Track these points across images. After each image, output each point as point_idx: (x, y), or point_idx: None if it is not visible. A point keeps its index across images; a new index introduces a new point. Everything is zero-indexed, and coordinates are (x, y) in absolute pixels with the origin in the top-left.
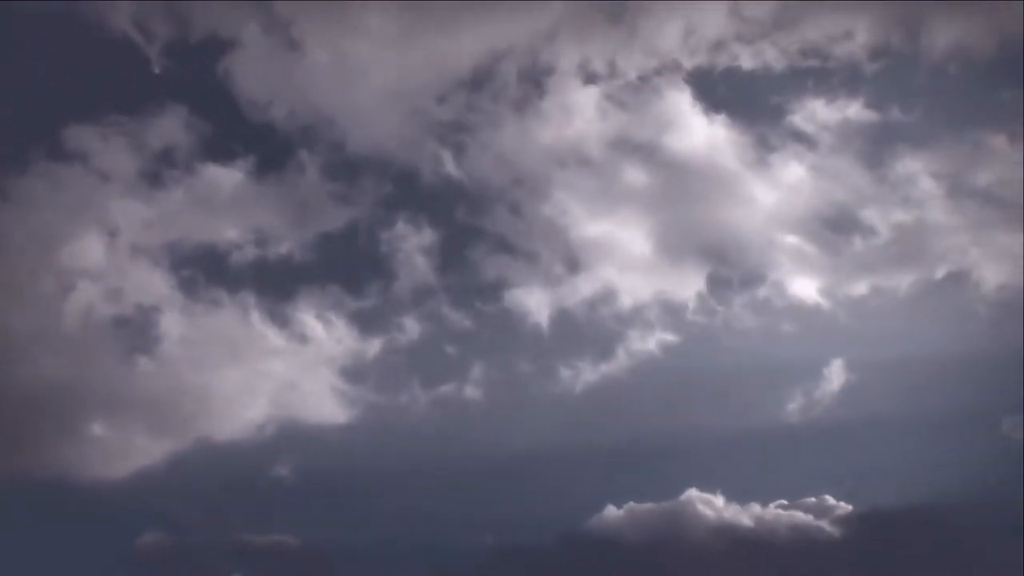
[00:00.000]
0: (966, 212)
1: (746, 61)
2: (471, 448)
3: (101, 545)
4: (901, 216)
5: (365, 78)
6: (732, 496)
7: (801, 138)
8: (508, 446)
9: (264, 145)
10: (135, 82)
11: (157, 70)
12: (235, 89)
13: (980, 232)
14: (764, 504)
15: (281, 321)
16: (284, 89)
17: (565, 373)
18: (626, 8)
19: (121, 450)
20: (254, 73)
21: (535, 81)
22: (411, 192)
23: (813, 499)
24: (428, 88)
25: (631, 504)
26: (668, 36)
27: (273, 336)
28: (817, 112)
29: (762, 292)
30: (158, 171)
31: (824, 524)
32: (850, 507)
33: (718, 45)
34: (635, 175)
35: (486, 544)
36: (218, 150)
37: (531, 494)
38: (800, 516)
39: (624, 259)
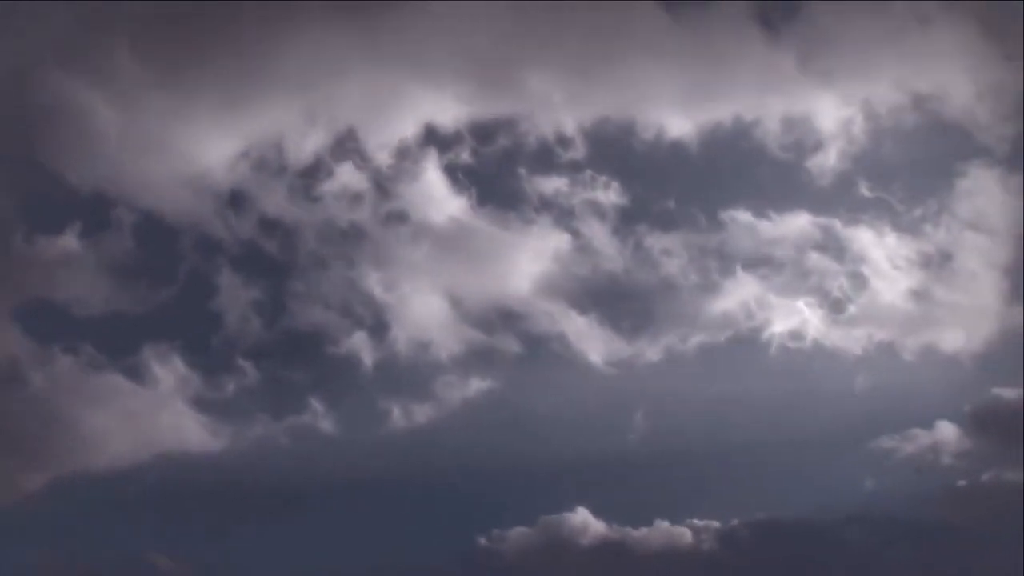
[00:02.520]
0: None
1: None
2: (324, 472)
3: None
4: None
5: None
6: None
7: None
8: (358, 474)
9: (87, 213)
10: None
11: None
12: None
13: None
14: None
15: (131, 367)
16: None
17: (394, 410)
18: None
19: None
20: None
21: (319, 164)
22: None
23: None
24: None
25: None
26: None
27: (124, 380)
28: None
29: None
30: None
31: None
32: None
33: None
34: (411, 248)
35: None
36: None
37: (393, 518)
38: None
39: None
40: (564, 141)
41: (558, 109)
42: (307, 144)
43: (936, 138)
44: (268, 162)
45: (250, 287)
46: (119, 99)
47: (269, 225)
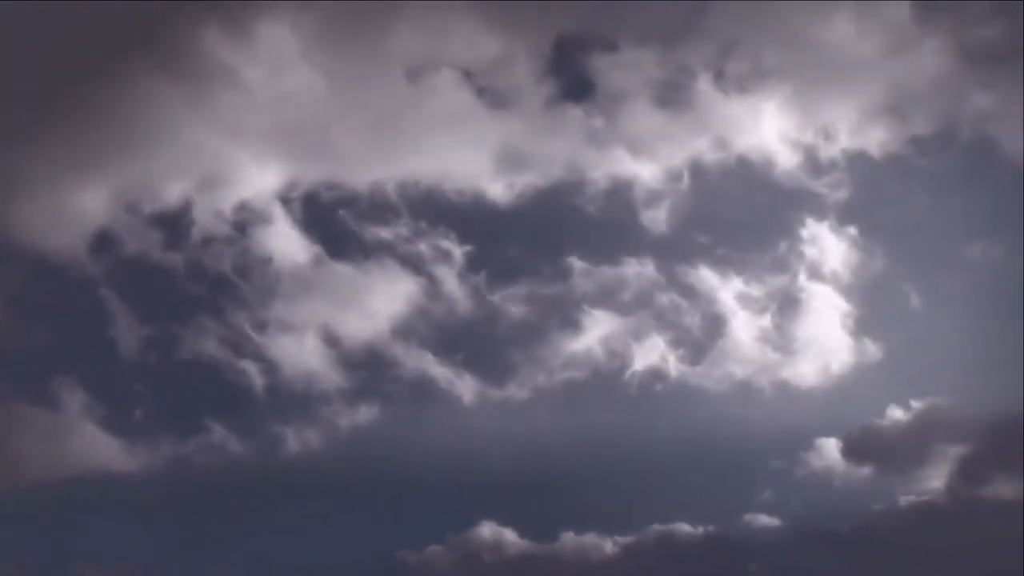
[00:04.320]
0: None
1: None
2: (234, 490)
3: None
4: None
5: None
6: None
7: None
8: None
9: None
10: None
11: None
12: None
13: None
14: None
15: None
16: None
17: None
18: None
19: None
20: None
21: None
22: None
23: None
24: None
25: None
26: None
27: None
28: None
29: None
30: None
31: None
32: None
33: None
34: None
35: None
36: None
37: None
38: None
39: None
40: (388, 202)
41: (374, 169)
42: (173, 191)
43: (767, 193)
44: (138, 206)
45: (138, 320)
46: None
47: (145, 265)
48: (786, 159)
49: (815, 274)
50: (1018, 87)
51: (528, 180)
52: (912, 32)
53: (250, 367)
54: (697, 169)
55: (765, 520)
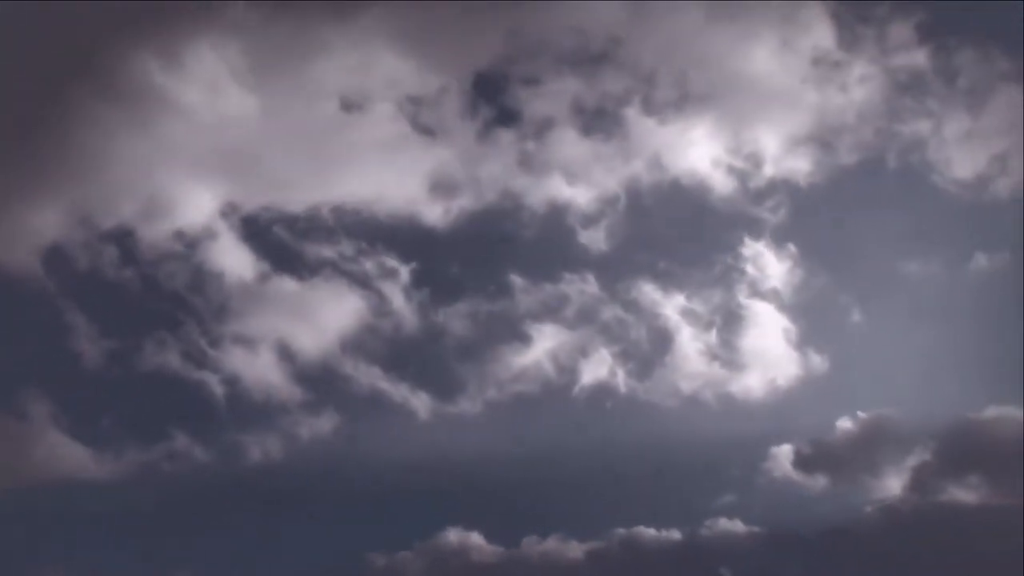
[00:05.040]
0: None
1: None
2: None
3: None
4: None
5: None
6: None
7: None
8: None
9: None
10: None
11: None
12: None
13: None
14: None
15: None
16: None
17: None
18: None
19: None
20: None
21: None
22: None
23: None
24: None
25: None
26: None
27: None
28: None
29: None
30: None
31: None
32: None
33: None
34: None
35: None
36: None
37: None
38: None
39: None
40: (326, 225)
41: (309, 193)
42: (121, 210)
43: (704, 214)
44: (89, 223)
45: (98, 333)
46: None
47: (100, 280)
48: (721, 183)
49: (756, 291)
50: (947, 111)
51: (463, 204)
52: (837, 59)
53: (210, 378)
54: (633, 192)
55: (730, 524)
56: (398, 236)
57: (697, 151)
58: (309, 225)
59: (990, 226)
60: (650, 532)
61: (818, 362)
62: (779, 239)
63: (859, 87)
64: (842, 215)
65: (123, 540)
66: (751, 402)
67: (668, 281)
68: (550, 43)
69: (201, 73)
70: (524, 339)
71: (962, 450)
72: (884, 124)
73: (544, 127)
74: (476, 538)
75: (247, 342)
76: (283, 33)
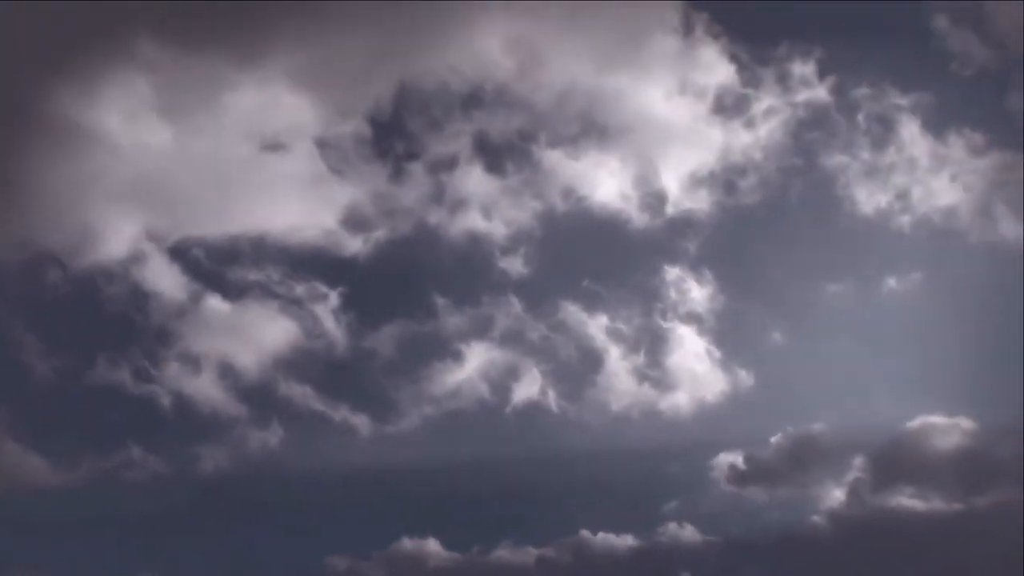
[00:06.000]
0: None
1: None
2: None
3: None
4: None
5: None
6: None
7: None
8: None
9: None
10: None
11: None
12: None
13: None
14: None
15: None
16: None
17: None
18: None
19: None
20: None
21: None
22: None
23: None
24: None
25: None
26: None
27: None
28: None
29: None
30: None
31: None
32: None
33: None
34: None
35: None
36: None
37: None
38: None
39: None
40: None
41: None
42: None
43: (621, 243)
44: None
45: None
46: None
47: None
48: (633, 214)
49: (678, 314)
50: (852, 145)
51: (379, 236)
52: (740, 96)
53: (158, 391)
54: (548, 222)
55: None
56: (320, 263)
57: (607, 184)
58: (232, 252)
59: (898, 254)
60: (603, 537)
61: (744, 380)
62: (696, 266)
63: (763, 124)
64: (752, 247)
65: (81, 548)
66: (680, 420)
67: (591, 303)
68: (444, 87)
69: (118, 106)
70: (455, 356)
71: (894, 460)
72: (788, 161)
73: (450, 166)
74: (432, 545)
75: (189, 360)
76: (193, 72)
